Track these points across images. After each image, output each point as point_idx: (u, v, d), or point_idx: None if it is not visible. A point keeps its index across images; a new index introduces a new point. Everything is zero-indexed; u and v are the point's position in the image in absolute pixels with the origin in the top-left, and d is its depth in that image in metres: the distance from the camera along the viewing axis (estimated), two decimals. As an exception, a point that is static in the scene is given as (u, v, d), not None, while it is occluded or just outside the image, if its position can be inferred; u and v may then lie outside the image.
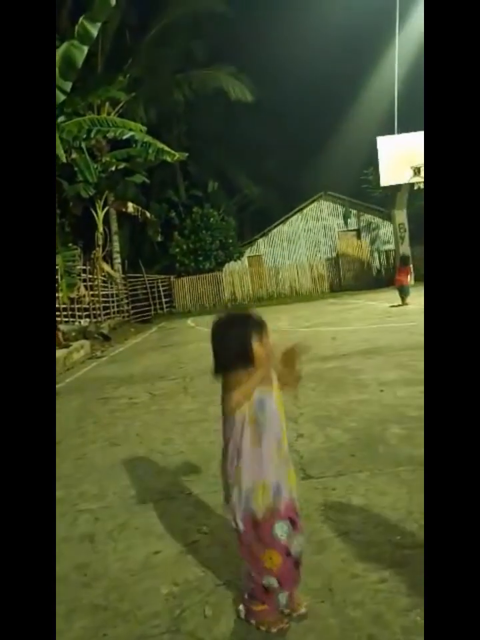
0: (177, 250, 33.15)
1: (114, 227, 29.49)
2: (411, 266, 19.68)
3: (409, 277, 18.87)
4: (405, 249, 27.55)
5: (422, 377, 7.03)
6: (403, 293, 18.56)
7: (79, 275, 20.08)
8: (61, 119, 17.87)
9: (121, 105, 27.51)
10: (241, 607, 2.60)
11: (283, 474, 2.46)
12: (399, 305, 18.34)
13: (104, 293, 24.31)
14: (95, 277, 23.24)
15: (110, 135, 20.03)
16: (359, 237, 37.63)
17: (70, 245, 19.70)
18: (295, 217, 38.33)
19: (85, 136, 19.46)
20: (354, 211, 38.10)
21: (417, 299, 18.55)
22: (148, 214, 28.98)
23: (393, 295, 20.76)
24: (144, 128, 21.34)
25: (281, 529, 2.42)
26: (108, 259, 27.67)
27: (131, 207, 28.07)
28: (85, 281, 21.22)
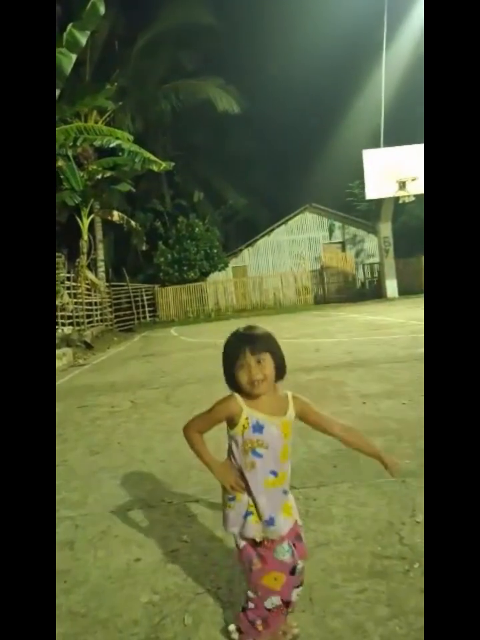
0: (162, 259, 33.17)
1: (99, 235, 29.50)
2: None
3: None
4: (389, 262, 27.73)
5: (403, 389, 7.09)
6: None
7: (63, 283, 20.02)
8: (48, 125, 17.96)
9: (108, 113, 27.63)
10: (232, 627, 2.49)
11: (278, 506, 2.32)
12: None
13: (87, 300, 24.23)
14: (79, 284, 23.18)
15: (97, 143, 20.09)
16: (343, 249, 37.89)
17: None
18: (280, 228, 38.50)
19: (71, 143, 19.50)
20: (339, 224, 38.36)
21: (403, 311, 18.75)
22: (133, 223, 29.01)
23: (376, 308, 20.91)
24: (131, 137, 21.42)
25: (282, 550, 2.30)
26: (92, 267, 27.63)
27: (116, 215, 28.09)
28: (68, 288, 21.14)
